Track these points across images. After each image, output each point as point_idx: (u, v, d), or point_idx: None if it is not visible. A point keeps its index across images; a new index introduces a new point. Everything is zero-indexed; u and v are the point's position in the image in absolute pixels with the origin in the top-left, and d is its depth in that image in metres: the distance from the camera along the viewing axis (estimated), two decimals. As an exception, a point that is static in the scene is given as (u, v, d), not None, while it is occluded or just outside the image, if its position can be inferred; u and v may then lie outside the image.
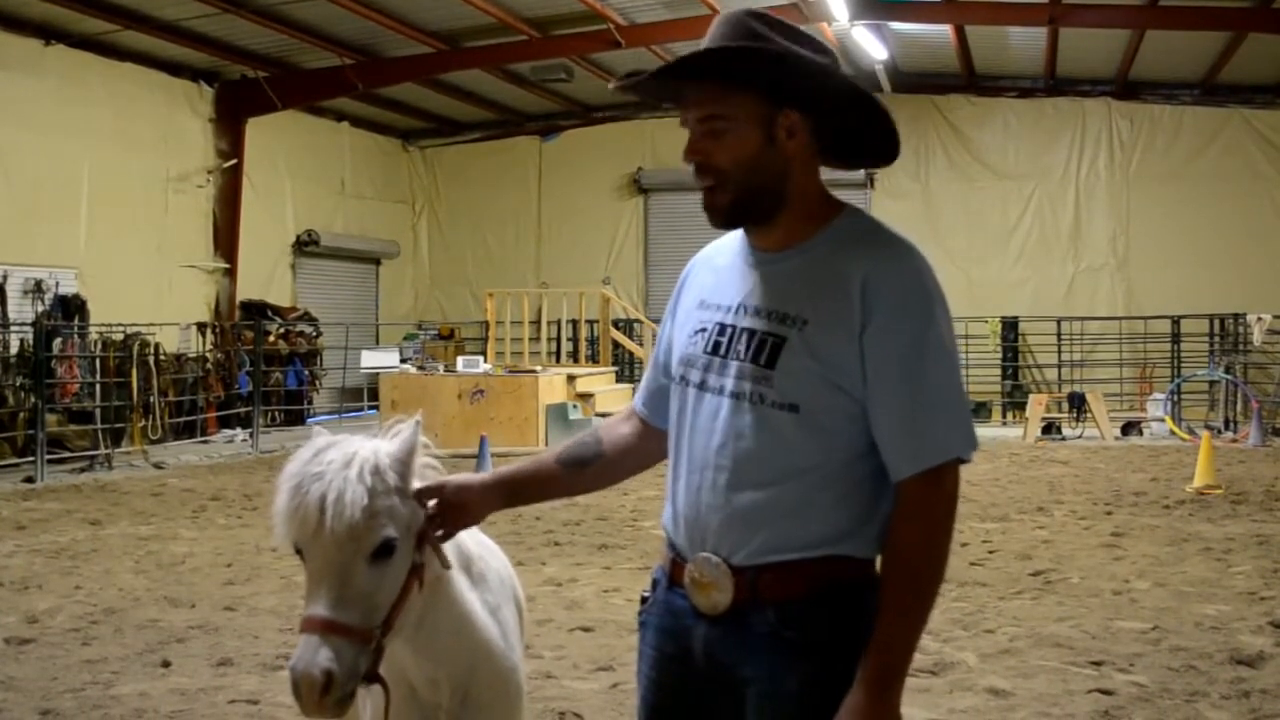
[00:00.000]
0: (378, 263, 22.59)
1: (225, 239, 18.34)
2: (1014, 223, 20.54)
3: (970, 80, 20.20)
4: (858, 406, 2.04)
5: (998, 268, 20.43)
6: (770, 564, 2.06)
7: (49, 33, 15.13)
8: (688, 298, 2.29)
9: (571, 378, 16.68)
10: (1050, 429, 16.72)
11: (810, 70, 2.06)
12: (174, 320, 16.30)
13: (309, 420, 17.64)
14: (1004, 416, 19.03)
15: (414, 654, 2.41)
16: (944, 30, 17.61)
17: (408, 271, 23.41)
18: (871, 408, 2.03)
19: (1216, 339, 18.97)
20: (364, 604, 2.13)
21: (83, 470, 13.20)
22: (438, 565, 2.32)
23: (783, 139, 2.08)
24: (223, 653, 5.92)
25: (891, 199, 20.14)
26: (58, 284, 15.01)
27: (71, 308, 15.00)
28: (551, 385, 16.01)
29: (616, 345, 19.82)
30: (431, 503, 2.28)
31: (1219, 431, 16.14)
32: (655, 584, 2.28)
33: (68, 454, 13.75)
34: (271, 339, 18.20)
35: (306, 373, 19.10)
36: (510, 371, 16.50)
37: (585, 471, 2.38)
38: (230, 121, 18.21)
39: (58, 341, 14.40)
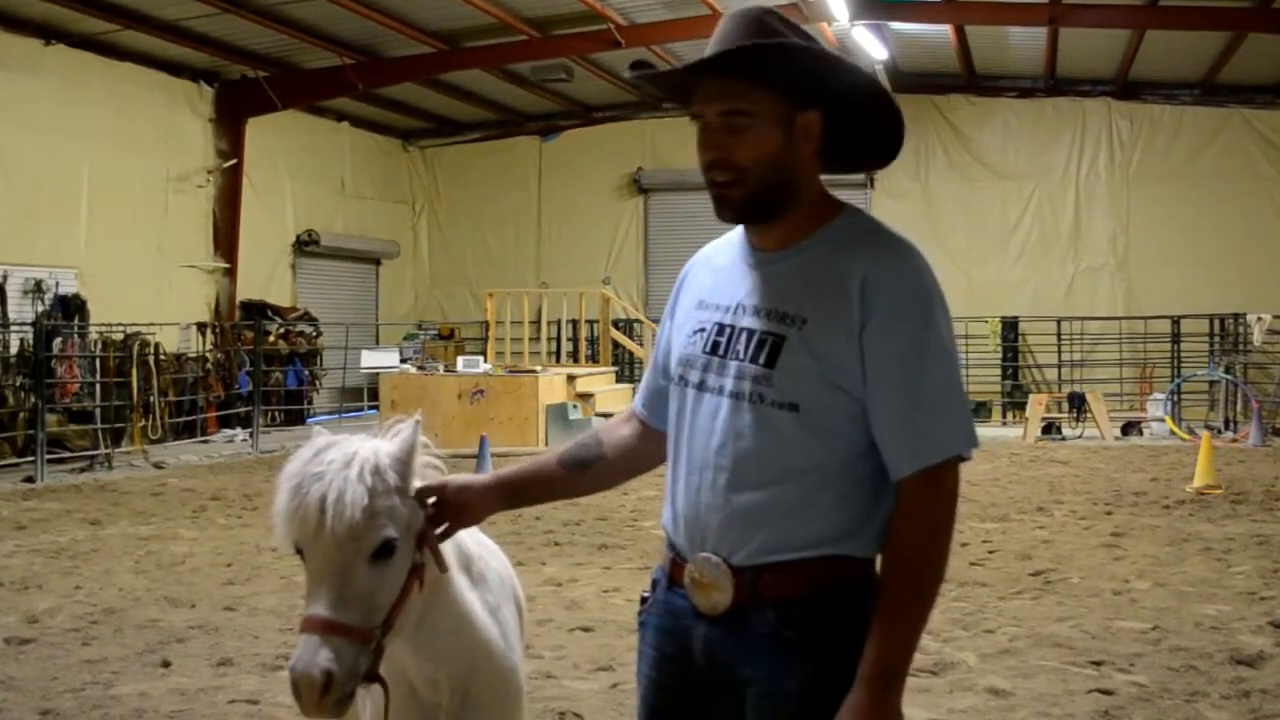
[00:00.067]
0: (378, 263, 22.59)
1: (225, 239, 18.34)
2: (1014, 223, 20.54)
3: (970, 80, 20.20)
4: (857, 406, 2.04)
5: (998, 268, 20.44)
6: (770, 564, 2.05)
7: (49, 33, 15.14)
8: (686, 298, 2.29)
9: (571, 378, 16.68)
10: (1050, 429, 16.72)
11: (840, 70, 2.07)
12: (174, 320, 16.30)
13: (309, 420, 17.64)
14: (1004, 416, 19.03)
15: (414, 654, 2.41)
16: (944, 30, 17.62)
17: (408, 271, 23.41)
18: (871, 407, 2.03)
19: (1216, 339, 18.97)
20: (364, 604, 2.13)
21: (83, 470, 13.20)
22: (436, 567, 2.32)
23: (799, 139, 2.09)
24: (223, 653, 5.92)
25: (891, 199, 20.14)
26: (58, 284, 15.02)
27: (71, 308, 15.01)
28: (551, 385, 16.01)
29: (616, 345, 19.82)
30: (431, 501, 2.28)
31: (1219, 431, 16.14)
32: (655, 584, 2.28)
33: (68, 454, 13.75)
34: (271, 339, 18.20)
35: (306, 373, 19.10)
36: (510, 371, 16.50)
37: (586, 473, 2.39)
38: (230, 121, 18.21)
39: (58, 341, 14.40)
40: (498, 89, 20.42)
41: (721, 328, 2.15)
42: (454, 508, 2.29)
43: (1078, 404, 16.79)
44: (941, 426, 2.02)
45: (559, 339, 19.36)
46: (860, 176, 20.16)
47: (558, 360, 18.74)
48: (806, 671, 2.04)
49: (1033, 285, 20.36)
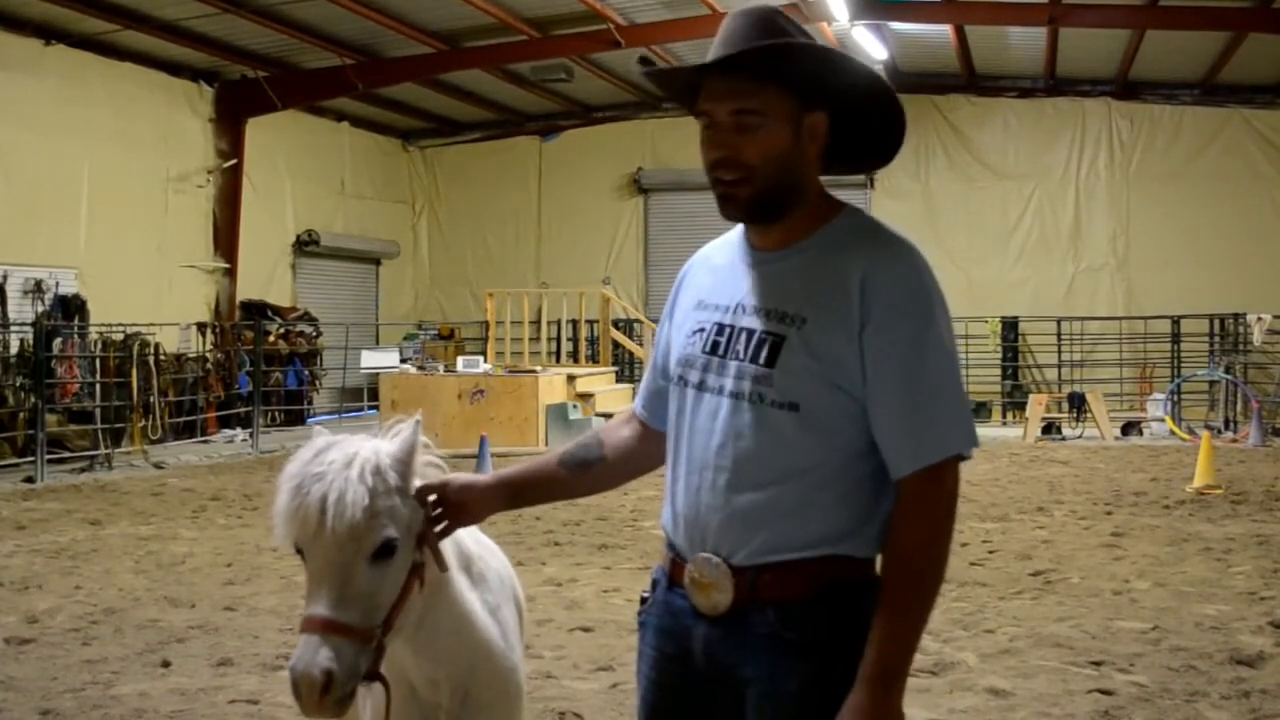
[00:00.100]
0: (378, 263, 22.59)
1: (225, 239, 18.34)
2: (1014, 223, 20.55)
3: (970, 80, 20.21)
4: (857, 405, 2.04)
5: (998, 268, 20.44)
6: (770, 564, 2.05)
7: (49, 33, 15.14)
8: (685, 298, 2.29)
9: (571, 378, 16.67)
10: (1050, 429, 16.72)
11: (847, 71, 2.07)
12: (174, 320, 16.30)
13: (309, 420, 17.65)
14: (1004, 416, 19.03)
15: (414, 654, 2.41)
16: (944, 30, 17.62)
17: (408, 271, 23.41)
18: (871, 406, 2.03)
19: (1216, 339, 18.97)
20: (365, 604, 2.13)
21: (83, 470, 13.20)
22: (437, 567, 2.32)
23: (805, 140, 2.09)
24: (223, 653, 5.92)
25: (891, 199, 20.15)
26: (58, 284, 15.02)
27: (71, 308, 15.01)
28: (551, 385, 16.01)
29: (616, 345, 19.83)
30: (432, 499, 2.28)
31: (1219, 431, 16.14)
32: (655, 584, 2.27)
33: (68, 454, 13.75)
34: (271, 339, 18.20)
35: (306, 373, 19.10)
36: (510, 371, 16.50)
37: (587, 474, 2.39)
38: (230, 121, 18.21)
39: (58, 341, 14.40)
40: (498, 89, 20.42)
41: (721, 328, 2.15)
42: (455, 507, 2.30)
43: (1078, 404, 16.79)
44: (941, 425, 2.02)
45: (559, 339, 19.36)
46: (860, 176, 20.14)
47: (558, 360, 18.74)
48: (807, 672, 2.04)
49: (1033, 285, 20.37)
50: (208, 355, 17.07)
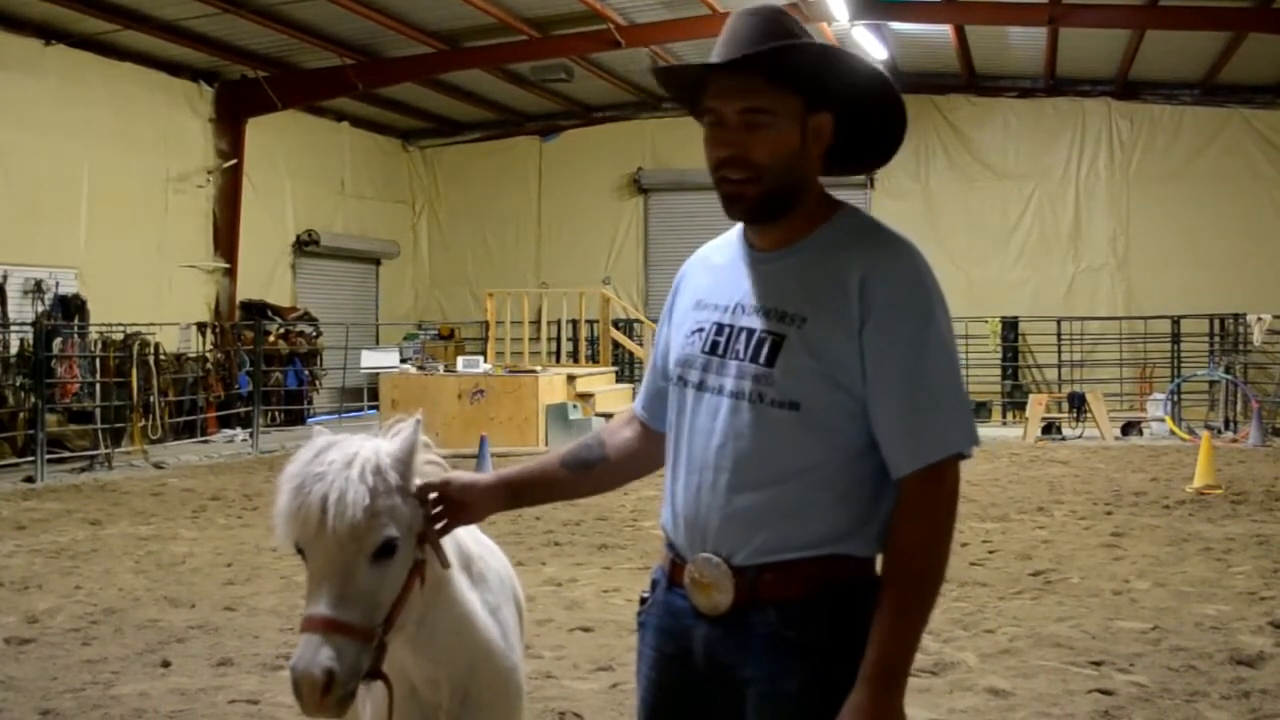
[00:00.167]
0: (378, 263, 22.59)
1: (225, 239, 18.34)
2: (1014, 223, 20.55)
3: (970, 80, 20.21)
4: (858, 404, 2.04)
5: (998, 268, 20.44)
6: (771, 564, 2.05)
7: (49, 33, 15.14)
8: (683, 299, 2.29)
9: (571, 378, 16.67)
10: (1050, 429, 16.72)
11: (855, 73, 2.07)
12: (174, 320, 16.30)
13: (309, 420, 17.65)
14: (1004, 416, 19.03)
15: (414, 653, 2.41)
16: (944, 30, 17.62)
17: (408, 271, 23.41)
18: (872, 405, 2.03)
19: (1216, 339, 18.97)
20: (366, 603, 2.13)
21: (83, 470, 13.20)
22: (438, 564, 2.32)
23: (811, 140, 2.10)
24: (223, 653, 5.93)
25: (891, 199, 20.15)
26: (58, 284, 15.02)
27: (71, 308, 15.01)
28: (551, 385, 16.01)
29: (616, 345, 19.83)
30: (433, 497, 2.29)
31: (1219, 431, 16.14)
32: (654, 584, 2.27)
33: (68, 454, 13.76)
34: (271, 339, 18.20)
35: (306, 373, 19.10)
36: (510, 371, 16.50)
37: (589, 474, 2.39)
38: (230, 121, 18.21)
39: (58, 341, 14.40)
40: (498, 89, 20.42)
41: (720, 327, 2.15)
42: (456, 506, 2.30)
43: (1078, 404, 16.79)
44: (942, 424, 2.02)
45: (559, 339, 19.36)
46: (860, 176, 20.15)
47: (558, 360, 18.74)
48: (807, 672, 2.04)
49: (1033, 285, 20.37)
50: (208, 355, 17.08)
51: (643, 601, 2.29)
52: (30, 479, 12.30)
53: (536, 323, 18.74)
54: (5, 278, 14.40)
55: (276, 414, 18.17)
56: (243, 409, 17.05)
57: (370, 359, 18.50)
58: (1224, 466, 12.53)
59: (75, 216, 15.64)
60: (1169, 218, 19.63)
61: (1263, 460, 13.94)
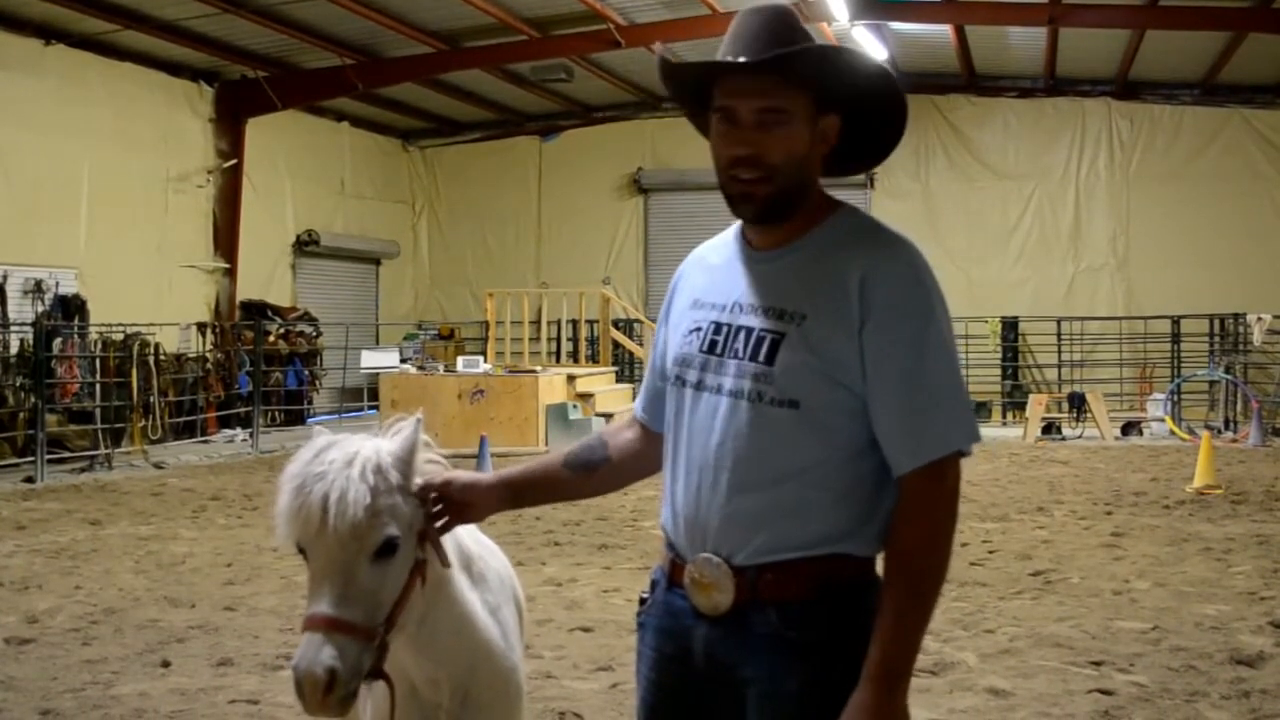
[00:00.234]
0: (378, 263, 22.59)
1: (225, 239, 18.34)
2: (1014, 223, 20.55)
3: (970, 80, 20.21)
4: (858, 402, 2.04)
5: (998, 268, 20.44)
6: (771, 564, 2.05)
7: (49, 33, 15.13)
8: (681, 299, 2.28)
9: (571, 378, 16.67)
10: (1050, 429, 16.72)
11: (863, 75, 2.08)
12: (174, 320, 16.30)
13: (309, 420, 17.65)
14: (1004, 416, 19.03)
15: (415, 653, 2.42)
16: (944, 30, 17.62)
17: (408, 271, 23.41)
18: (872, 404, 2.03)
19: (1216, 339, 18.97)
20: (367, 602, 2.13)
21: (83, 470, 13.20)
22: (439, 564, 2.32)
23: (818, 141, 2.10)
24: (223, 653, 5.93)
25: (891, 199, 20.15)
26: (58, 284, 15.01)
27: (71, 308, 15.01)
28: (551, 385, 16.01)
29: (616, 345, 19.83)
30: (434, 495, 2.29)
31: (1219, 431, 16.14)
32: (654, 585, 2.27)
33: (68, 454, 13.75)
34: (271, 339, 18.20)
35: (306, 373, 19.10)
36: (510, 371, 16.50)
37: (592, 476, 2.39)
38: (230, 121, 18.21)
39: (58, 341, 14.40)
40: (498, 89, 20.42)
41: (719, 326, 2.15)
42: (457, 505, 2.30)
43: (1078, 404, 16.80)
44: (942, 422, 2.02)
45: (559, 339, 19.35)
46: (860, 176, 20.16)
47: (558, 360, 18.74)
48: (807, 672, 2.04)
49: (1033, 285, 20.37)
50: (208, 355, 17.08)
51: (642, 602, 2.29)
52: (30, 479, 12.30)
53: (536, 323, 18.73)
54: (5, 278, 14.40)
55: (276, 414, 18.18)
56: (243, 409, 17.05)
57: (370, 359, 18.49)
58: (1224, 466, 12.53)
59: (75, 216, 15.64)
60: (1169, 218, 19.64)
61: (1263, 460, 13.94)
